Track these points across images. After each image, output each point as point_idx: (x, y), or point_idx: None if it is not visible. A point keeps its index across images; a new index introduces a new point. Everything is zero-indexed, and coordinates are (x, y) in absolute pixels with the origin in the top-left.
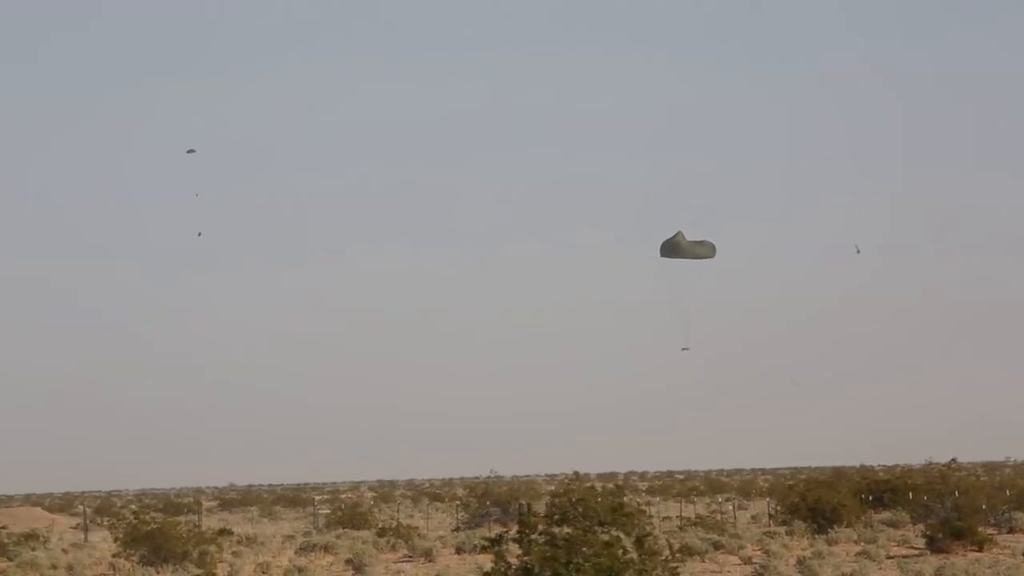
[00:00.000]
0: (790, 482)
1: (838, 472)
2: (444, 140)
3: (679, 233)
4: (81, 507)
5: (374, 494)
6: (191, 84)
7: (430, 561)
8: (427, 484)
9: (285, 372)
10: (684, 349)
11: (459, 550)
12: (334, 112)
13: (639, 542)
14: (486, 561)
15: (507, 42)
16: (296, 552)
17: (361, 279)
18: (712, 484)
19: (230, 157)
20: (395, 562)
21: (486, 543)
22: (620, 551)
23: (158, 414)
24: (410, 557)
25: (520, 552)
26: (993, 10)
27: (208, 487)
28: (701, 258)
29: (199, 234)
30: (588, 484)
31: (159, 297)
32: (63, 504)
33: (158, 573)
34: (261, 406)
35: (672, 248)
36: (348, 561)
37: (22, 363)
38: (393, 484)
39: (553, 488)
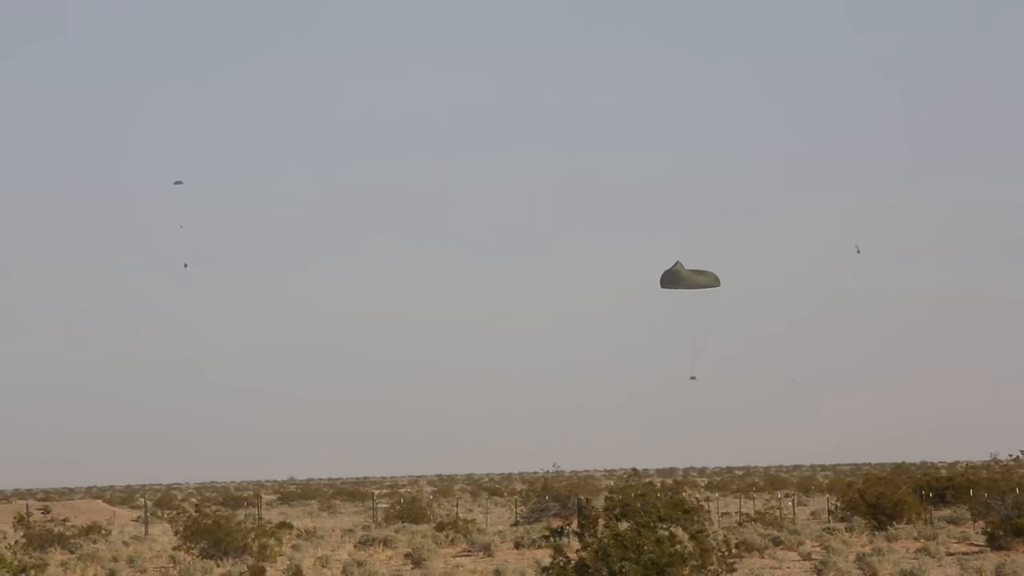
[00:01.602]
0: (850, 478)
1: (899, 468)
2: (444, 140)
3: (678, 263)
4: (142, 500)
5: (433, 488)
6: (187, 83)
7: (489, 556)
8: (486, 479)
9: (341, 369)
10: (692, 378)
11: (518, 545)
12: (334, 112)
13: (693, 537)
14: (545, 556)
15: (507, 42)
16: (355, 546)
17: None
18: (771, 480)
19: (230, 157)
20: (454, 556)
21: (547, 535)
22: (676, 547)
23: (217, 408)
24: (469, 551)
25: (579, 546)
26: (996, 7)
27: (268, 481)
28: (703, 288)
29: (185, 265)
30: (647, 480)
31: (203, 297)
32: (124, 497)
33: (218, 566)
34: (320, 401)
35: (672, 278)
36: (407, 555)
37: (80, 361)
38: (452, 479)
39: (612, 484)
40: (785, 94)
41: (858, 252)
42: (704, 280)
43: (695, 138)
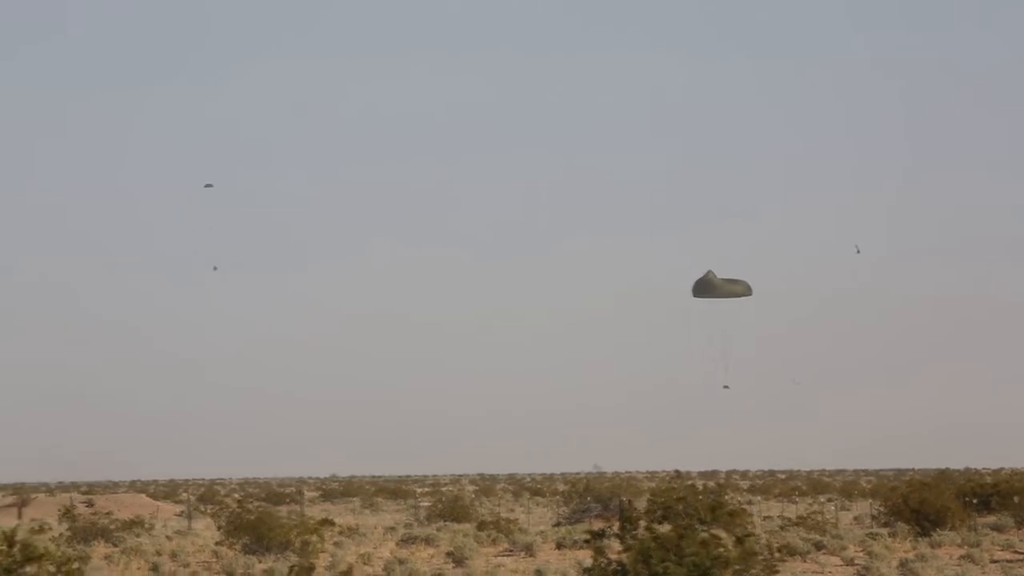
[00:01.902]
0: (893, 483)
1: (942, 474)
2: (444, 140)
3: (710, 272)
4: (185, 495)
5: (475, 487)
6: (187, 83)
7: (530, 556)
8: (528, 479)
9: (386, 367)
10: (725, 387)
11: (559, 545)
12: (334, 112)
13: (740, 541)
14: (586, 557)
15: (507, 42)
16: (397, 544)
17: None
18: (814, 484)
19: (230, 157)
20: (495, 556)
21: (587, 537)
22: (719, 550)
23: (261, 404)
24: (510, 551)
25: (621, 548)
26: (996, 7)
27: (310, 477)
28: (737, 296)
29: (215, 268)
30: (689, 482)
31: (242, 295)
32: (167, 491)
33: (260, 562)
34: (363, 399)
35: (705, 287)
36: (449, 554)
37: (128, 354)
38: (494, 478)
39: (654, 485)
40: (785, 94)
41: (858, 252)
42: (738, 289)
43: (695, 138)
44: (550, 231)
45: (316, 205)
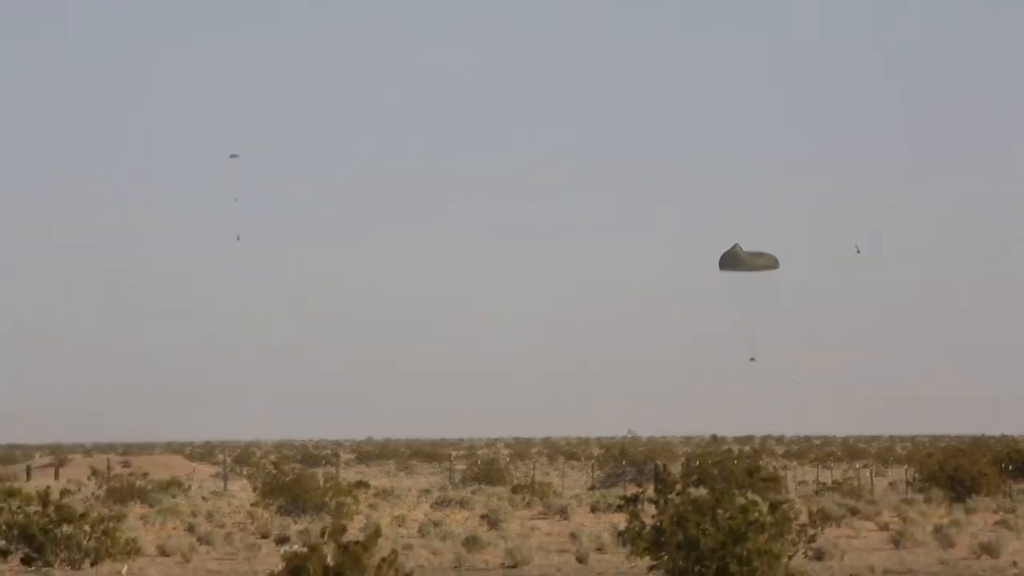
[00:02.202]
0: (929, 450)
1: (978, 441)
2: (444, 139)
3: (737, 245)
4: (221, 456)
5: (510, 451)
6: (187, 82)
7: (565, 519)
8: (563, 442)
9: (421, 330)
10: (751, 360)
11: (594, 509)
12: (331, 111)
13: (774, 507)
14: (621, 520)
15: (507, 42)
16: (432, 506)
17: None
18: (849, 450)
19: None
20: (530, 519)
21: (622, 502)
22: (755, 515)
23: (298, 366)
24: (545, 514)
25: (655, 512)
26: (996, 7)
27: (346, 440)
28: (762, 269)
29: (238, 237)
30: (725, 447)
31: (279, 264)
32: (203, 453)
33: (295, 523)
34: (398, 360)
35: (732, 260)
36: (483, 516)
37: (159, 317)
38: (529, 442)
39: (689, 450)
40: (785, 94)
41: (858, 252)
42: (763, 262)
43: (695, 138)
44: (550, 231)
45: (316, 204)
